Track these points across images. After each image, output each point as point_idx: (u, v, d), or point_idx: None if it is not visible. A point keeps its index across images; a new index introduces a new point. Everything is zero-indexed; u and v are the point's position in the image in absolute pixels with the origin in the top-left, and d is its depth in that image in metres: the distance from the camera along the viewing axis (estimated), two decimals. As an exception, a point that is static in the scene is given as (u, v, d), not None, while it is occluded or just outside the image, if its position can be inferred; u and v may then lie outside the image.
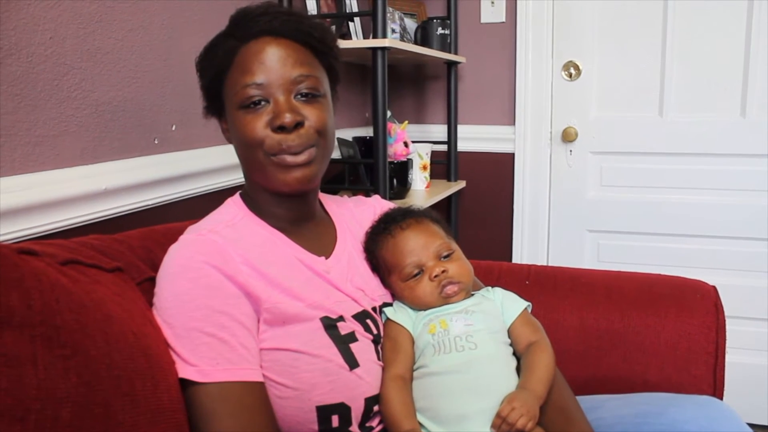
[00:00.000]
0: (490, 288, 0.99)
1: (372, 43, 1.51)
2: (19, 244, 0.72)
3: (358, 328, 0.88)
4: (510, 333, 0.93)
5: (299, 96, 0.85)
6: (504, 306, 0.95)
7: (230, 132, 0.90)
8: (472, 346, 0.87)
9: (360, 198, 1.12)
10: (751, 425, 0.98)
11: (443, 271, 0.92)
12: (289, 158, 0.84)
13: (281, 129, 0.83)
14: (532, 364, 0.88)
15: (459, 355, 0.86)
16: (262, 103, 0.84)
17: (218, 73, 0.87)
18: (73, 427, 0.59)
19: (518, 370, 0.89)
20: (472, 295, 0.96)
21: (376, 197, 1.13)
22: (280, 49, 0.85)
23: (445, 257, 0.94)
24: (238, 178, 1.43)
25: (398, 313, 0.93)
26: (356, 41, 1.79)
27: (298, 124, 0.84)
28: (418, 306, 0.93)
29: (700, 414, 0.93)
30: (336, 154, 1.80)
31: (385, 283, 0.98)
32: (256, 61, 0.84)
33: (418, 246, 0.93)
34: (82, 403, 0.60)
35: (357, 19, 1.90)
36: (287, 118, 0.82)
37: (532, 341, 0.91)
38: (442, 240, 0.95)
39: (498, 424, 0.80)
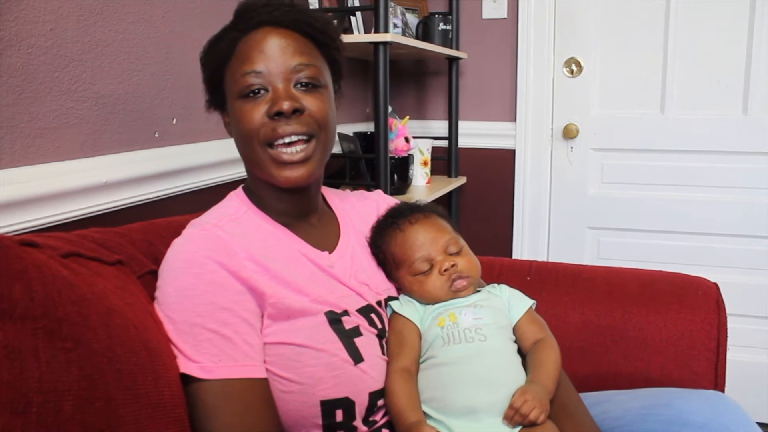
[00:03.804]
0: (496, 285, 0.99)
1: (374, 37, 1.50)
2: (20, 237, 0.71)
3: (362, 323, 0.87)
4: (515, 330, 0.93)
5: (299, 85, 0.85)
6: (510, 303, 0.95)
7: (231, 124, 0.89)
8: (481, 338, 0.87)
9: (362, 192, 1.11)
10: (752, 423, 0.99)
11: (453, 266, 0.91)
12: (286, 155, 0.84)
13: (278, 115, 0.82)
14: (540, 360, 0.88)
15: (469, 346, 0.86)
16: (262, 92, 0.84)
17: (219, 64, 0.87)
18: (74, 421, 0.58)
19: (523, 367, 0.89)
20: (479, 291, 0.96)
21: (379, 192, 1.13)
22: (280, 39, 0.84)
23: (454, 252, 0.94)
24: (238, 172, 1.43)
25: (405, 307, 0.92)
26: (358, 36, 1.78)
27: (297, 111, 0.83)
28: (428, 300, 0.93)
29: (706, 406, 0.94)
30: (337, 149, 1.80)
31: (391, 277, 0.98)
32: (256, 50, 0.84)
33: (428, 240, 0.93)
34: (84, 396, 0.60)
35: (359, 14, 1.89)
36: (285, 105, 0.82)
37: (539, 338, 0.91)
38: (450, 235, 0.95)
39: (511, 415, 0.80)
